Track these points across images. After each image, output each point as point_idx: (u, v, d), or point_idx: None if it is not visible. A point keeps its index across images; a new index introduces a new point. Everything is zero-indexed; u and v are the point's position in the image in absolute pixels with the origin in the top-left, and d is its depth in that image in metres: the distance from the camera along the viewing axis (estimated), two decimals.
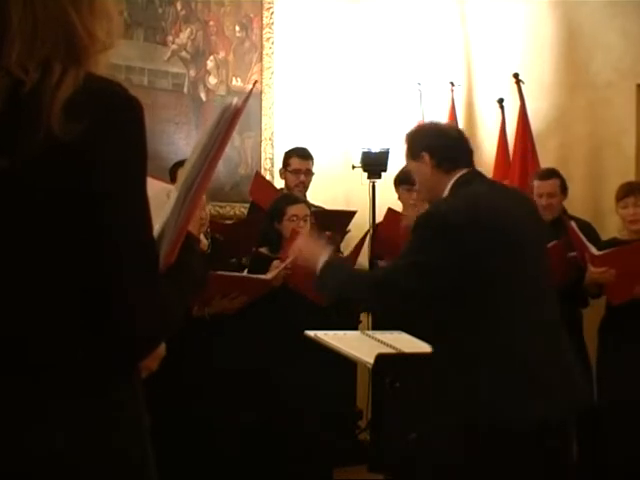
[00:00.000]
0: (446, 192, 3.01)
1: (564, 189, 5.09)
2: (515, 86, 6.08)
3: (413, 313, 3.13)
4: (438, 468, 2.89)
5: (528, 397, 2.81)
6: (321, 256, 3.04)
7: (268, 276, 4.42)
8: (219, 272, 4.17)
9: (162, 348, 1.60)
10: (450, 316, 2.89)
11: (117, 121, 1.34)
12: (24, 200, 1.32)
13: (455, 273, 2.83)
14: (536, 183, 5.05)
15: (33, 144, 1.30)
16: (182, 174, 1.46)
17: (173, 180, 4.68)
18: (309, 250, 3.12)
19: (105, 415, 1.37)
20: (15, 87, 1.32)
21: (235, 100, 1.43)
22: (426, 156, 3.05)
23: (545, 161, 5.72)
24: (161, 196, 1.49)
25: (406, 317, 3.36)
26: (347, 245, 5.50)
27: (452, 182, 3.01)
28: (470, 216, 2.88)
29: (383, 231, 4.78)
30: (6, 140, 1.31)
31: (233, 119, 1.42)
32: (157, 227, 1.44)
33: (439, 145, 3.07)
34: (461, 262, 2.82)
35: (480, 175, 3.12)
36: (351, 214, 5.55)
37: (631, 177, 5.49)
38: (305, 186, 5.47)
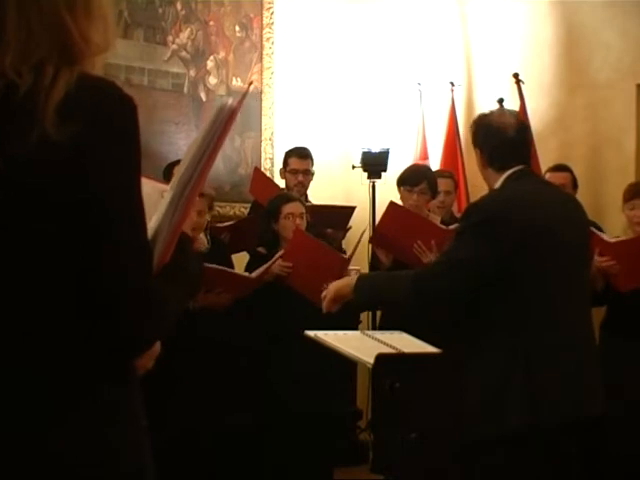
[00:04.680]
0: (497, 186, 3.08)
1: (575, 186, 5.08)
2: (515, 86, 6.08)
3: (454, 313, 3.16)
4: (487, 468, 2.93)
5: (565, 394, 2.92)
6: (348, 280, 3.20)
7: (253, 275, 4.44)
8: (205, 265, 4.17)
9: (157, 346, 1.60)
10: (490, 314, 2.92)
11: (109, 120, 1.34)
12: (18, 201, 1.32)
13: (492, 269, 2.87)
14: (548, 175, 5.02)
15: (27, 145, 1.30)
16: (176, 174, 1.46)
17: (167, 180, 4.69)
18: (339, 286, 3.22)
19: (101, 415, 1.37)
20: (9, 90, 1.32)
21: (230, 101, 1.42)
22: (479, 152, 3.14)
23: (545, 161, 5.71)
24: (155, 196, 1.49)
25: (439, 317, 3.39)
26: (349, 242, 5.50)
27: (504, 177, 3.06)
28: (508, 212, 2.93)
29: (387, 225, 4.74)
30: (0, 141, 1.31)
31: (228, 120, 1.42)
32: (151, 227, 1.44)
33: (491, 145, 3.11)
34: (499, 257, 2.87)
35: (530, 173, 3.17)
36: (350, 210, 5.55)
37: (631, 176, 5.49)
38: (304, 186, 5.46)
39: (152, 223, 1.44)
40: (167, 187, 1.48)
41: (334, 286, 3.21)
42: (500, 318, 2.90)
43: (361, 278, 3.20)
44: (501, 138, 3.10)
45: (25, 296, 1.34)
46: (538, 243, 2.92)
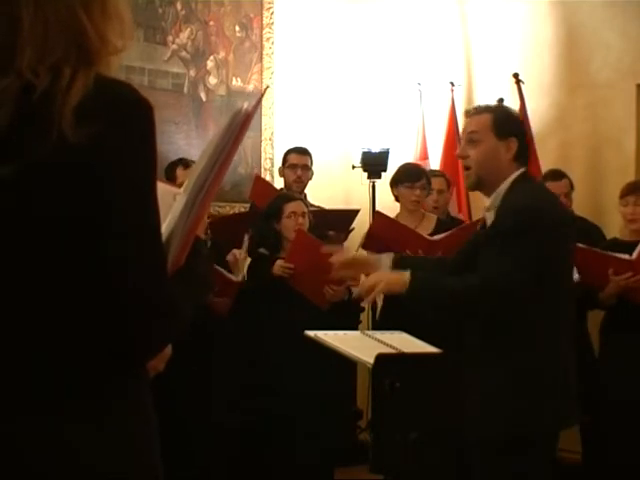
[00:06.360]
0: (506, 184, 2.99)
1: (571, 189, 5.10)
2: (515, 86, 6.08)
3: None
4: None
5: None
6: (401, 276, 2.96)
7: (234, 278, 4.52)
8: None
9: (168, 349, 1.60)
10: (532, 314, 2.91)
11: (126, 123, 1.34)
12: (34, 203, 1.32)
13: (549, 269, 2.87)
14: (550, 184, 4.97)
15: (45, 148, 1.30)
16: (191, 177, 1.46)
17: (168, 179, 4.70)
18: (391, 281, 2.99)
19: (113, 415, 1.38)
20: (26, 91, 1.32)
21: (246, 104, 1.43)
22: (514, 142, 3.01)
23: (545, 161, 5.71)
24: (168, 199, 1.49)
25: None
26: (351, 243, 5.50)
27: (513, 177, 3.00)
28: (556, 215, 2.96)
29: (376, 233, 4.82)
30: (17, 143, 1.31)
31: (244, 124, 1.42)
32: (164, 230, 1.44)
33: (523, 136, 3.09)
34: (543, 260, 2.85)
35: (531, 176, 3.19)
36: (354, 212, 5.55)
37: (631, 177, 5.49)
38: (303, 182, 5.47)
39: (165, 226, 1.44)
40: (179, 190, 1.49)
41: (384, 281, 2.98)
42: (520, 320, 2.90)
43: (416, 277, 2.97)
44: (524, 132, 3.15)
45: (39, 294, 1.34)
46: (564, 247, 3.01)
